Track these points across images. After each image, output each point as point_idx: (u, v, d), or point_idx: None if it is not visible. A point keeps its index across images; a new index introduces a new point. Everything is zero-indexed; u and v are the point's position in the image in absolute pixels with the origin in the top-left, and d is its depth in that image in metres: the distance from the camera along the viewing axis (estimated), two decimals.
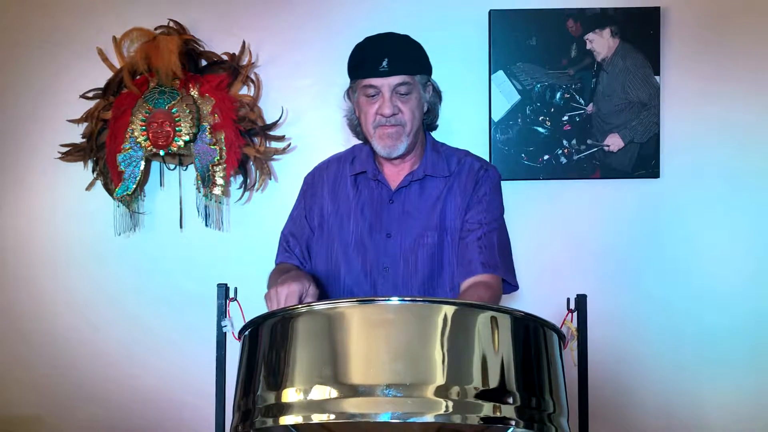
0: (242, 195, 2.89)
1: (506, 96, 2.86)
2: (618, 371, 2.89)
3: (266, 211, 2.91)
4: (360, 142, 2.04)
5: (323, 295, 1.93)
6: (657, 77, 2.85)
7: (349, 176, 1.99)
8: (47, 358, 2.96)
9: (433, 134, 2.11)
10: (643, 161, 2.87)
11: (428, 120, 2.00)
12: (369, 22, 2.85)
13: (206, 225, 2.87)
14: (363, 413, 1.23)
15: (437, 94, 1.99)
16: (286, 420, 1.28)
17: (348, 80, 1.95)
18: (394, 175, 1.96)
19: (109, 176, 2.88)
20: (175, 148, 2.78)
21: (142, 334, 2.93)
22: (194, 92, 2.84)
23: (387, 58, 1.82)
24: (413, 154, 1.96)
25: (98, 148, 2.88)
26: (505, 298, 1.98)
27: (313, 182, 2.05)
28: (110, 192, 2.88)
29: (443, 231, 1.90)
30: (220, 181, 2.84)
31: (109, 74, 2.88)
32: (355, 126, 1.98)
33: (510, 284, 1.93)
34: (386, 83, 1.83)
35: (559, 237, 2.90)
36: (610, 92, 2.85)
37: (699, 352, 2.90)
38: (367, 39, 1.91)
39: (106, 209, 2.90)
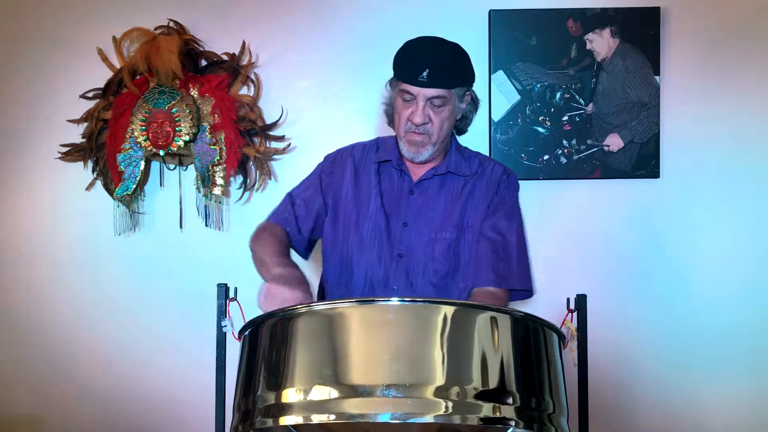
0: (242, 195, 2.89)
1: (506, 96, 2.86)
2: (618, 371, 2.89)
3: (266, 211, 2.87)
4: (370, 135, 2.06)
5: (334, 287, 1.96)
6: (657, 77, 2.85)
7: (373, 163, 2.01)
8: (47, 358, 2.96)
9: None
10: (643, 161, 2.87)
11: (460, 125, 2.01)
12: (369, 23, 2.86)
13: (206, 225, 2.87)
14: (363, 414, 1.24)
15: (474, 102, 2.00)
16: (286, 420, 1.29)
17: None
18: (417, 168, 1.98)
19: (109, 176, 2.88)
20: (175, 148, 2.78)
21: (142, 334, 2.93)
22: (194, 92, 2.84)
23: (428, 69, 1.81)
24: (438, 157, 1.98)
25: (98, 148, 2.88)
26: (516, 302, 1.98)
27: (334, 162, 2.06)
28: (110, 192, 2.88)
29: (462, 229, 1.92)
30: (220, 181, 2.84)
31: (109, 74, 2.87)
32: (391, 114, 1.99)
33: (526, 290, 1.94)
34: (422, 93, 1.84)
35: (559, 237, 2.90)
36: (610, 92, 2.85)
37: (699, 352, 2.90)
38: (416, 41, 1.91)
39: (106, 209, 2.90)
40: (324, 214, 2.02)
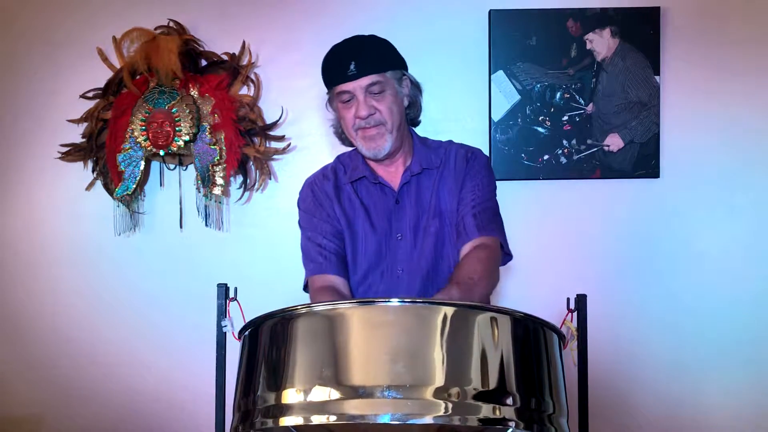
0: (242, 195, 2.89)
1: (506, 96, 2.85)
2: (618, 371, 2.89)
3: (266, 211, 2.91)
4: (347, 149, 2.04)
5: None
6: (657, 77, 2.85)
7: (347, 184, 1.98)
8: (47, 358, 2.96)
9: (435, 133, 2.10)
10: (643, 161, 2.86)
11: (411, 114, 1.99)
12: (369, 22, 2.85)
13: (206, 225, 2.87)
14: (363, 414, 1.23)
15: (416, 86, 1.97)
16: (286, 421, 1.28)
17: None
18: (391, 175, 1.97)
19: (109, 176, 2.88)
20: (175, 148, 2.78)
21: (142, 334, 2.93)
22: (194, 92, 2.84)
23: (353, 61, 1.82)
24: (402, 151, 1.96)
25: (98, 148, 2.88)
26: (503, 278, 1.98)
27: (315, 196, 1.99)
28: (110, 192, 2.88)
29: (441, 217, 1.92)
30: (220, 181, 2.84)
31: (109, 74, 2.87)
32: (341, 134, 1.99)
33: (505, 253, 1.94)
34: (357, 86, 1.84)
35: (559, 237, 2.90)
36: (610, 92, 2.85)
37: (699, 351, 2.90)
38: (334, 46, 1.91)
39: (106, 209, 2.90)
40: (342, 236, 1.94)
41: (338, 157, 2.06)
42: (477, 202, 1.90)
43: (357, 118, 1.87)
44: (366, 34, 1.94)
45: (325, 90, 1.95)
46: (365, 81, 1.84)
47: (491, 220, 1.91)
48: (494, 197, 1.97)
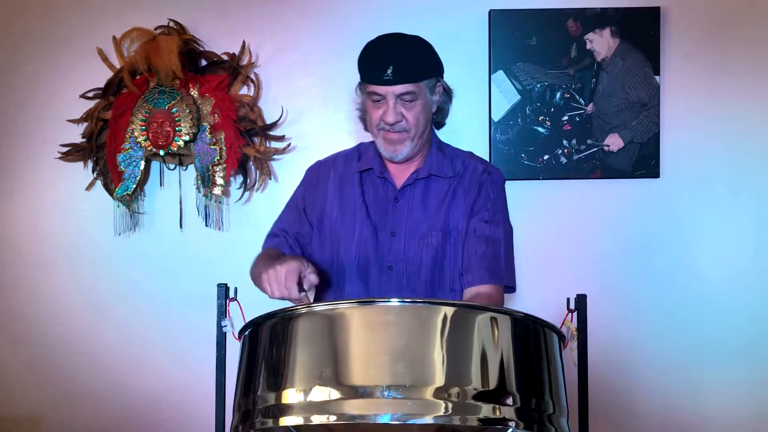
0: (242, 195, 2.89)
1: (506, 96, 2.85)
2: (618, 371, 2.89)
3: (266, 211, 2.90)
4: (367, 138, 2.04)
5: (324, 280, 1.91)
6: (657, 77, 2.85)
7: (355, 173, 1.98)
8: (47, 358, 2.96)
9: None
10: (643, 161, 2.87)
11: (437, 118, 1.98)
12: (369, 22, 2.86)
13: (206, 225, 2.87)
14: (363, 414, 1.23)
15: (447, 93, 1.96)
16: (286, 421, 1.29)
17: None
18: (400, 173, 1.96)
19: (109, 176, 2.88)
20: (175, 148, 2.79)
21: (142, 334, 2.93)
22: (194, 92, 2.84)
23: (392, 66, 1.79)
24: (420, 155, 1.96)
25: (98, 148, 2.88)
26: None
27: (317, 176, 2.03)
28: (110, 192, 2.88)
29: (447, 233, 1.90)
30: (220, 181, 2.84)
31: (109, 74, 2.87)
32: (365, 119, 1.97)
33: (509, 287, 1.94)
34: (390, 91, 1.82)
35: (559, 237, 2.90)
36: (610, 92, 2.85)
37: (699, 351, 2.90)
38: (376, 40, 1.89)
39: (106, 209, 2.90)
40: (306, 236, 1.98)
41: (359, 144, 2.06)
42: (489, 239, 1.89)
43: (382, 121, 1.86)
44: (378, 34, 1.91)
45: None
46: (399, 89, 1.81)
47: (502, 261, 1.89)
48: (508, 227, 1.95)
